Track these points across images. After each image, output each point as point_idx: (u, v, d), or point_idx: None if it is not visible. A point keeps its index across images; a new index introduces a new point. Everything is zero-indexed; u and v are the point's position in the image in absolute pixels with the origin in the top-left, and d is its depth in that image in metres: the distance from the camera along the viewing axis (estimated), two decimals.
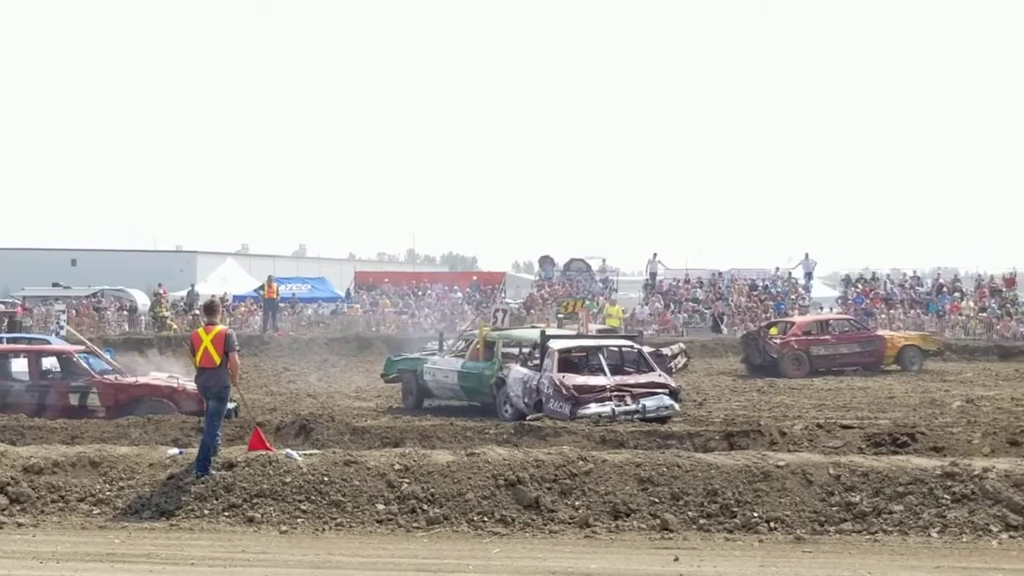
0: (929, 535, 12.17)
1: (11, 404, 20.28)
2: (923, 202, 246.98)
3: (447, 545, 12.14)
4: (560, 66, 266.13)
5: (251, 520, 13.01)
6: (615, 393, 20.49)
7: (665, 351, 28.59)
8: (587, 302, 47.98)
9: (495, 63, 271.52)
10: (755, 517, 12.65)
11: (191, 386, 17.82)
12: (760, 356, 33.72)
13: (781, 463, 13.42)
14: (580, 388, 20.50)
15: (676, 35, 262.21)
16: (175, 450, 15.04)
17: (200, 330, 14.53)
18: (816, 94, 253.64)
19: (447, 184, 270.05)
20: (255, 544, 12.17)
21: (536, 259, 61.35)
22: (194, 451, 14.43)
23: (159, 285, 52.07)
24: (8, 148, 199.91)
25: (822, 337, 34.37)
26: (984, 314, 45.79)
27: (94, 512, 13.52)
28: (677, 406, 20.97)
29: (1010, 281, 50.30)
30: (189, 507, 13.37)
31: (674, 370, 27.86)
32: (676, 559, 11.32)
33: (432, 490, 13.27)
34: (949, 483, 12.80)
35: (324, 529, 12.80)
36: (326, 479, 13.52)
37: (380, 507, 13.12)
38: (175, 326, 46.88)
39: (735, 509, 12.80)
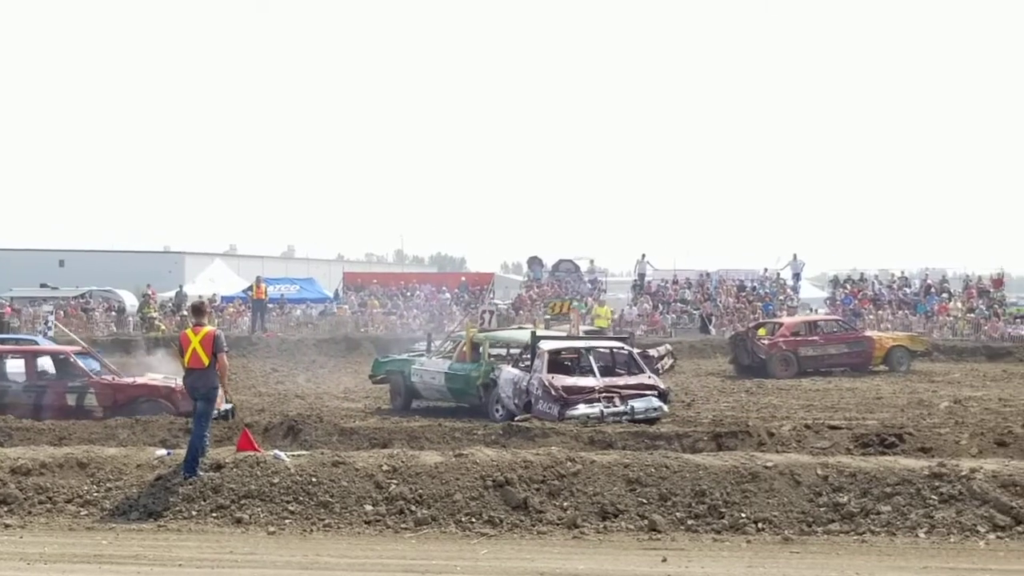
0: (917, 536, 12.20)
1: (8, 405, 20.28)
2: (911, 203, 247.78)
3: (435, 546, 12.14)
4: (549, 67, 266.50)
5: (239, 521, 13.00)
6: (604, 394, 20.50)
7: (652, 352, 28.61)
8: (575, 303, 47.95)
9: (484, 64, 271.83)
10: (743, 518, 12.67)
11: None
12: (748, 357, 33.75)
13: (769, 464, 13.44)
14: (569, 389, 20.50)
15: (665, 36, 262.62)
16: (163, 451, 15.04)
17: (188, 331, 14.52)
18: (805, 95, 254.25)
19: (435, 185, 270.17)
20: (243, 545, 12.16)
21: (525, 260, 61.43)
22: (182, 452, 14.43)
23: (148, 286, 52.06)
24: None
25: (810, 338, 34.41)
26: (972, 315, 45.88)
27: (82, 513, 13.50)
28: (666, 407, 20.98)
29: (998, 282, 50.38)
30: (177, 508, 13.36)
31: (660, 371, 27.87)
32: (664, 560, 11.33)
33: (420, 491, 13.27)
34: (937, 484, 12.83)
35: (312, 530, 12.79)
36: (314, 480, 13.52)
37: (368, 508, 13.12)
38: (163, 327, 46.83)
39: (723, 510, 12.81)
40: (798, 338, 34.28)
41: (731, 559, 11.49)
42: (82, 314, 50.55)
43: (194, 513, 13.26)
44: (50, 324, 44.62)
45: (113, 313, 52.26)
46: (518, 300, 52.04)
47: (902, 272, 54.54)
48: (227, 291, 59.30)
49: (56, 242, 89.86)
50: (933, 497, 12.68)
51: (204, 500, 13.42)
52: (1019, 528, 12.22)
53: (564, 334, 26.98)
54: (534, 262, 57.41)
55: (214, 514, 13.21)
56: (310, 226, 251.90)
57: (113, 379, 21.29)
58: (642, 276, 54.27)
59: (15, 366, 21.49)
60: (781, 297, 50.56)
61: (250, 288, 50.08)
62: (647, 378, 21.50)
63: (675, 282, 53.14)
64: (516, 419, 19.49)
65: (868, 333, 36.81)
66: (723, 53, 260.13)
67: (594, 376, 21.07)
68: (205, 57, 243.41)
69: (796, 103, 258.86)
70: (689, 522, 12.71)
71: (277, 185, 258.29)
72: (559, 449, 14.64)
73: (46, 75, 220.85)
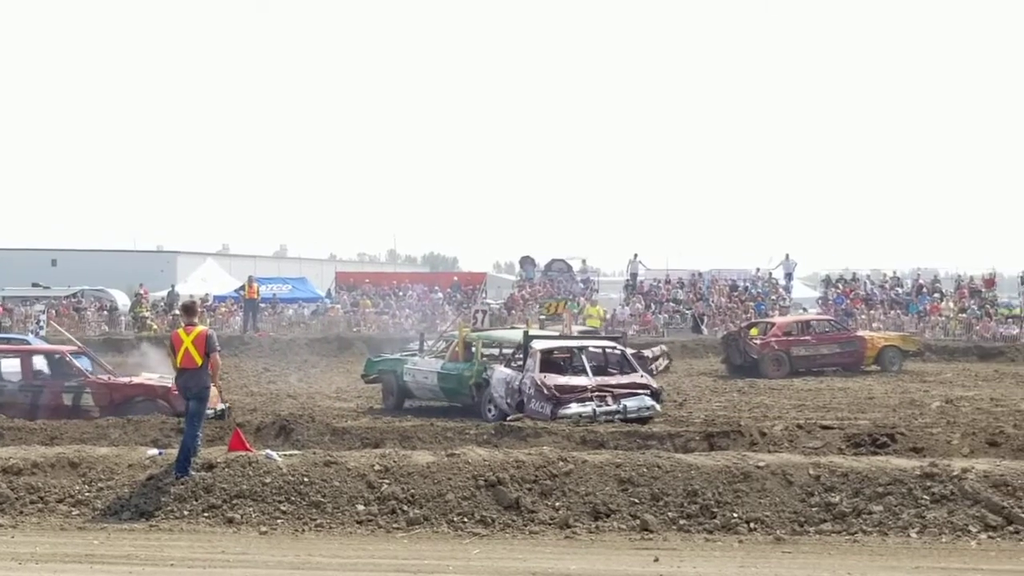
0: (908, 535, 12.22)
1: (4, 404, 20.24)
2: (903, 203, 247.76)
3: (427, 546, 12.14)
4: (541, 67, 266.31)
5: (231, 521, 13.00)
6: (596, 394, 20.50)
7: (646, 353, 28.61)
8: (569, 303, 47.95)
9: (477, 65, 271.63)
10: (735, 518, 12.68)
11: None
12: (740, 357, 33.76)
13: (761, 464, 13.45)
14: (561, 388, 20.50)
15: (656, 36, 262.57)
16: (155, 451, 15.03)
17: (180, 331, 14.52)
18: (796, 95, 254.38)
19: (428, 185, 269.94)
20: (235, 545, 12.16)
21: (517, 260, 61.38)
22: (174, 452, 14.42)
23: (140, 285, 52.04)
24: None
25: (802, 338, 34.42)
26: (964, 315, 45.91)
27: (73, 513, 13.50)
28: (658, 407, 20.98)
29: (989, 282, 50.45)
30: (169, 508, 13.36)
31: (655, 372, 27.86)
32: (656, 560, 11.33)
33: (412, 491, 13.28)
34: (928, 484, 12.85)
35: (304, 530, 12.79)
36: (306, 480, 13.52)
37: (360, 508, 13.12)
38: (155, 326, 46.82)
39: (715, 510, 12.83)
40: (790, 338, 34.28)
41: (723, 559, 11.50)
42: (74, 313, 50.49)
43: (186, 513, 13.26)
44: (42, 323, 44.62)
45: (105, 313, 52.21)
46: (510, 300, 52.04)
47: (894, 272, 54.56)
48: (219, 291, 59.35)
49: (48, 241, 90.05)
50: (925, 497, 12.70)
51: (196, 500, 13.42)
52: (1010, 528, 12.24)
53: (557, 333, 26.96)
54: (526, 262, 57.40)
55: (206, 514, 13.20)
56: (302, 226, 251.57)
57: (109, 379, 21.27)
58: (634, 276, 54.31)
59: (11, 366, 21.47)
60: (773, 297, 50.61)
61: (242, 288, 50.05)
62: (639, 377, 21.51)
63: (667, 282, 53.20)
64: (508, 419, 19.52)
65: (860, 333, 36.84)
66: (715, 54, 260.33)
67: (587, 375, 21.06)
68: (197, 57, 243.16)
69: (788, 103, 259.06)
70: (681, 522, 12.72)
71: (269, 185, 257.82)
72: (551, 449, 14.66)
73: (38, 75, 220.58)
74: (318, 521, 12.96)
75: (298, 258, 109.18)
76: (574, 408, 20.02)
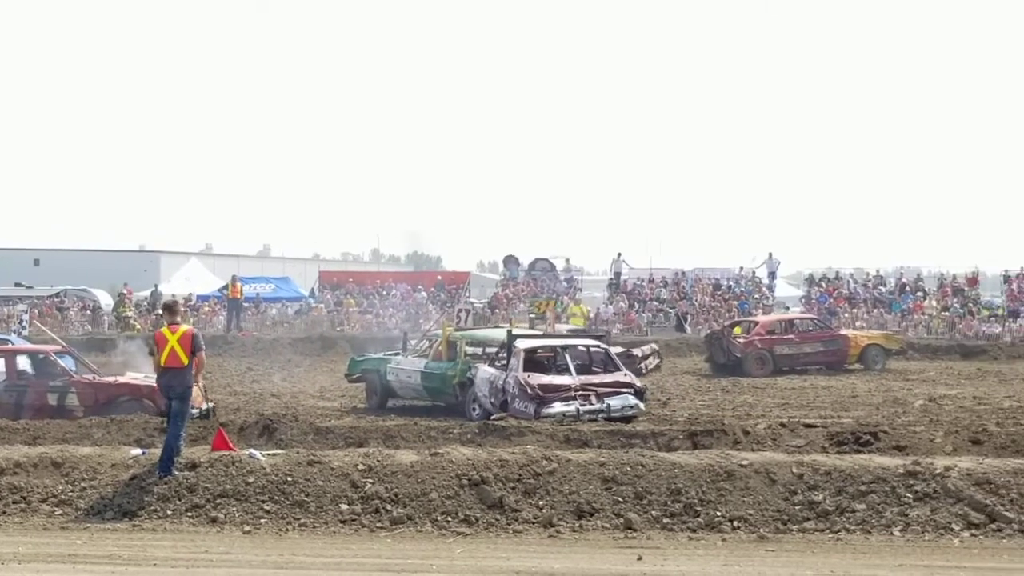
0: (891, 534, 12.24)
1: None
2: (887, 202, 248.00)
3: (411, 545, 12.14)
4: (524, 67, 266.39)
5: (214, 520, 12.98)
6: (580, 392, 20.50)
7: (636, 352, 28.64)
8: (560, 303, 47.89)
9: (460, 64, 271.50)
10: (718, 516, 12.69)
11: None
12: (724, 355, 33.79)
13: (745, 462, 13.46)
14: (545, 387, 20.50)
15: (640, 36, 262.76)
16: (138, 450, 15.00)
17: (164, 330, 14.45)
18: (779, 95, 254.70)
19: (411, 184, 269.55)
20: (218, 544, 12.14)
21: (501, 259, 61.38)
22: (157, 451, 14.39)
23: (124, 285, 51.89)
24: None
25: (786, 336, 34.46)
26: (947, 313, 46.06)
27: (56, 513, 13.47)
28: (642, 405, 20.99)
29: (972, 280, 50.61)
30: (152, 508, 13.33)
31: (644, 371, 27.94)
32: (640, 558, 11.34)
33: (396, 490, 13.27)
34: (911, 482, 12.87)
35: (287, 529, 12.78)
36: (289, 479, 13.50)
37: (344, 507, 13.11)
38: (138, 326, 46.69)
39: (699, 508, 12.84)
40: (773, 336, 34.33)
41: (707, 557, 11.52)
42: (57, 313, 50.32)
43: (169, 512, 13.23)
44: (24, 323, 44.47)
45: (88, 312, 52.06)
46: (494, 299, 52.03)
47: (877, 270, 54.74)
48: (202, 290, 59.17)
49: (31, 241, 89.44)
50: (908, 495, 12.72)
51: (179, 499, 13.39)
52: (993, 526, 12.28)
53: (540, 332, 26.97)
54: (510, 261, 57.42)
55: (189, 513, 13.18)
56: (286, 225, 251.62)
57: (94, 378, 21.21)
58: (618, 275, 54.37)
59: None
60: (756, 296, 50.70)
61: (225, 287, 49.90)
62: (623, 376, 21.50)
63: (651, 281, 53.26)
64: (492, 418, 19.49)
65: (843, 331, 36.99)
66: (698, 52, 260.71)
67: (570, 374, 21.05)
68: (180, 56, 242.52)
69: (772, 103, 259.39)
70: (665, 520, 12.73)
71: (253, 184, 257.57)
72: (535, 448, 14.64)
73: (20, 74, 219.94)
74: (302, 520, 12.95)
75: (281, 257, 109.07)
76: (557, 407, 20.02)
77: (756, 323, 35.91)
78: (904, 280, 51.66)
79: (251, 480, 13.51)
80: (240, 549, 11.96)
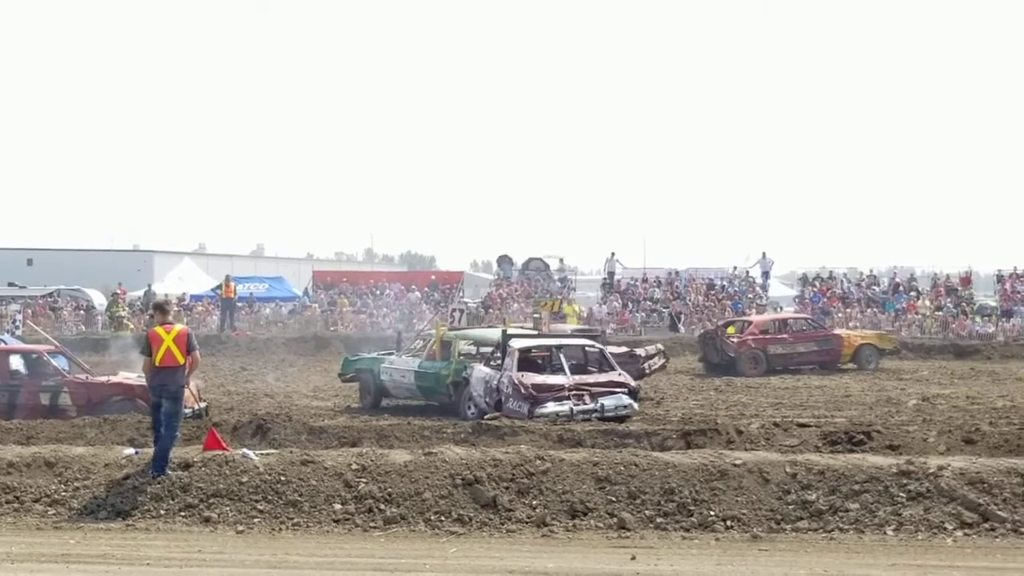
0: (885, 533, 12.24)
1: None
2: (880, 202, 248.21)
3: (404, 545, 12.13)
4: (518, 67, 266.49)
5: (207, 520, 12.97)
6: (574, 392, 20.52)
7: (639, 352, 28.58)
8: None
9: (454, 64, 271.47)
10: (712, 516, 12.69)
11: None
12: (718, 355, 33.82)
13: (738, 462, 13.47)
14: (539, 387, 20.51)
15: (635, 37, 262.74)
16: (131, 450, 14.97)
17: (159, 329, 14.38)
18: (773, 94, 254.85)
19: (405, 184, 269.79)
20: (211, 544, 12.13)
21: (494, 258, 61.41)
22: (150, 451, 14.37)
23: (118, 285, 51.85)
24: None
25: (779, 336, 34.50)
26: (940, 313, 46.07)
27: (49, 513, 13.45)
28: (636, 405, 21.02)
29: (966, 280, 50.69)
30: (145, 507, 13.31)
31: (648, 371, 27.91)
32: (633, 558, 11.33)
33: (389, 490, 13.27)
34: (905, 481, 12.88)
35: (281, 529, 12.77)
36: (283, 479, 13.49)
37: (337, 507, 13.11)
38: (132, 326, 46.63)
39: (692, 508, 12.84)
40: (767, 336, 34.36)
41: (700, 557, 11.52)
42: (50, 313, 50.31)
43: (162, 512, 13.22)
44: (18, 323, 44.41)
45: (81, 312, 52.02)
46: (488, 299, 52.04)
47: (871, 270, 54.75)
48: (196, 290, 59.22)
49: (24, 241, 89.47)
50: (901, 494, 12.73)
51: (172, 499, 13.38)
52: (986, 525, 12.28)
53: (535, 332, 26.98)
54: (504, 260, 57.43)
55: (182, 513, 13.17)
56: (280, 225, 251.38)
57: (87, 378, 21.20)
58: (611, 274, 54.42)
59: None
60: (750, 295, 50.74)
61: (219, 287, 49.93)
62: (617, 375, 21.53)
63: (644, 280, 53.31)
64: (485, 417, 19.51)
65: (837, 331, 37.02)
66: (691, 52, 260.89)
67: (564, 374, 21.07)
68: (175, 56, 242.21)
69: (765, 102, 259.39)
70: (658, 520, 12.73)
71: (246, 184, 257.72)
72: (528, 447, 14.64)
73: (13, 73, 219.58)
74: (295, 520, 12.94)
75: (275, 257, 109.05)
76: (551, 407, 20.04)
77: (750, 323, 35.95)
78: (898, 280, 51.66)
79: (244, 480, 13.50)
80: (234, 549, 11.95)
